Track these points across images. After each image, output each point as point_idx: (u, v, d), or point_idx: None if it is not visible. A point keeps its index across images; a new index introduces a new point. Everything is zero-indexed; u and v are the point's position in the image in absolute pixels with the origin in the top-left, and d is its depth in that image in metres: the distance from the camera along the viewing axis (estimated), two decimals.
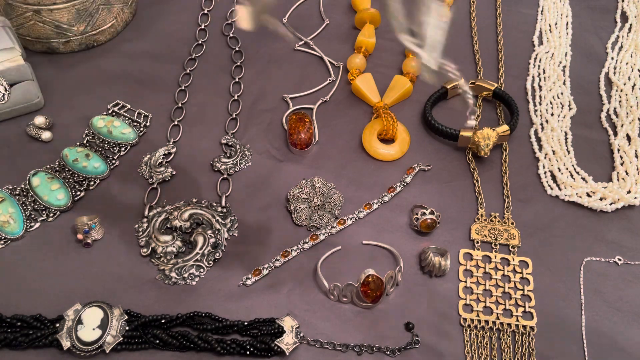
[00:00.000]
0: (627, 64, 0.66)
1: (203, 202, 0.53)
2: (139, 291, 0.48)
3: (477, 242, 0.52)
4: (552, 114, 0.61)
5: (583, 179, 0.56)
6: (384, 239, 0.51)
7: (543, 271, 0.50)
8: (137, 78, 0.62)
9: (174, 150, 0.57)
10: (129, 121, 0.58)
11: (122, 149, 0.57)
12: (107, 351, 0.44)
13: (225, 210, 0.53)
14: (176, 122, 0.59)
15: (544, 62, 0.65)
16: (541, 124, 0.60)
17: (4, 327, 0.45)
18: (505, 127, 0.57)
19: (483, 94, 0.61)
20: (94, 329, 0.44)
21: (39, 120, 0.57)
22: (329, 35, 0.66)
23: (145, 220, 0.52)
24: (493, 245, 0.52)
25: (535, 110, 0.62)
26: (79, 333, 0.44)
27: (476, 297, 0.49)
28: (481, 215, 0.54)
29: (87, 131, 0.58)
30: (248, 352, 0.45)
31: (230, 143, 0.58)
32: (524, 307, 0.48)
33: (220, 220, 0.52)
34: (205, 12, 0.67)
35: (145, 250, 0.50)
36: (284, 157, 0.57)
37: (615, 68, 0.66)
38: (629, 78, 0.65)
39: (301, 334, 0.46)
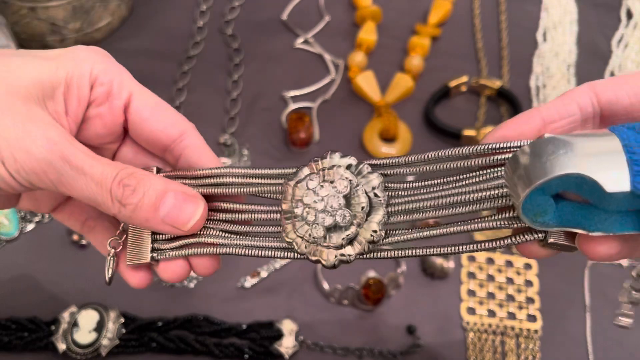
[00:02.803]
0: (632, 61, 0.66)
1: None
2: (136, 293, 0.47)
3: None
4: None
5: None
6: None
7: (547, 273, 0.50)
8: (133, 76, 0.61)
9: None
10: None
11: None
12: (104, 354, 0.44)
13: None
14: None
15: (548, 60, 0.64)
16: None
17: None
18: None
19: (487, 93, 0.60)
20: (89, 332, 0.44)
21: None
22: (329, 32, 0.65)
23: None
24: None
25: None
26: (75, 336, 0.44)
27: (479, 299, 0.48)
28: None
29: None
30: (247, 356, 0.44)
31: (228, 142, 0.57)
32: (528, 309, 0.48)
33: None
34: (204, 9, 0.66)
35: None
36: (283, 156, 0.56)
37: (620, 66, 0.65)
38: None
39: (301, 338, 0.45)
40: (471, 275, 0.49)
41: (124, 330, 0.44)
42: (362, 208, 0.25)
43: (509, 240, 0.24)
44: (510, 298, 0.48)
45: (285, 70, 0.62)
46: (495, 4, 0.69)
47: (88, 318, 0.44)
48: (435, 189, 0.25)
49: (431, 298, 0.48)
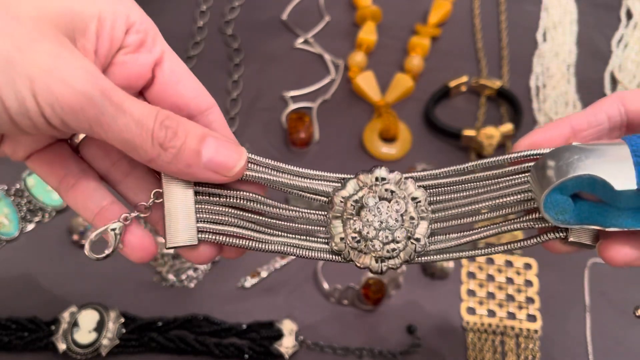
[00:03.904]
0: (632, 62, 0.65)
1: None
2: (136, 293, 0.47)
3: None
4: (556, 113, 0.60)
5: None
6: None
7: (547, 273, 0.50)
8: None
9: None
10: None
11: None
12: (104, 354, 0.44)
13: None
14: None
15: (548, 60, 0.64)
16: (545, 123, 0.60)
17: None
18: (509, 126, 0.56)
19: (486, 93, 0.60)
20: (90, 332, 0.44)
21: None
22: (329, 32, 0.65)
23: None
24: None
25: (540, 109, 0.61)
26: (75, 336, 0.44)
27: (479, 299, 0.48)
28: None
29: None
30: (247, 356, 0.44)
31: None
32: (528, 309, 0.48)
33: None
34: (204, 9, 0.66)
35: None
36: (283, 156, 0.56)
37: (620, 66, 0.65)
38: (634, 76, 0.64)
39: (301, 337, 0.45)
40: (471, 275, 0.50)
41: (124, 330, 0.44)
42: (412, 222, 0.27)
43: (535, 240, 0.27)
44: (510, 298, 0.48)
45: (285, 70, 0.62)
46: (495, 4, 0.69)
47: (88, 318, 0.44)
48: (470, 196, 0.28)
49: (431, 298, 0.48)
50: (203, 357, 0.44)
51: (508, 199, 0.27)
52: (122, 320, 0.45)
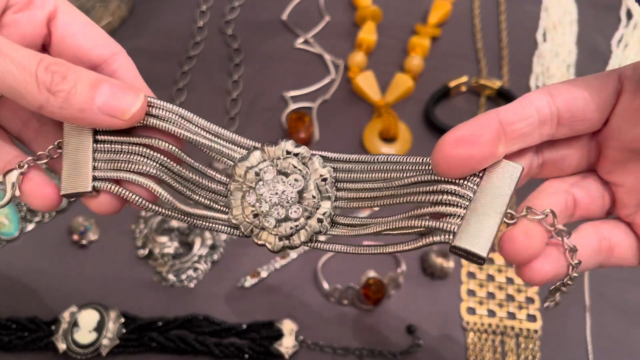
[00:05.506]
0: (632, 61, 0.66)
1: None
2: (136, 293, 0.47)
3: None
4: None
5: None
6: (386, 240, 0.51)
7: None
8: None
9: None
10: None
11: None
12: (104, 354, 0.44)
13: None
14: None
15: (548, 60, 0.64)
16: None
17: None
18: None
19: (486, 93, 0.60)
20: (90, 332, 0.44)
21: None
22: (329, 32, 0.65)
23: (142, 220, 0.51)
24: (497, 247, 0.51)
25: None
26: (75, 336, 0.44)
27: (479, 299, 0.48)
28: None
29: None
30: (247, 356, 0.44)
31: None
32: (528, 309, 0.48)
33: None
34: (204, 9, 0.66)
35: (142, 251, 0.49)
36: None
37: (620, 66, 0.65)
38: None
39: (301, 337, 0.45)
40: (471, 275, 0.50)
41: (124, 330, 0.44)
42: (313, 201, 0.26)
43: (421, 243, 0.25)
44: (510, 298, 0.48)
45: (285, 70, 0.62)
46: (495, 4, 0.69)
47: (88, 318, 0.44)
48: (377, 183, 0.26)
49: (431, 298, 0.48)
50: (203, 357, 0.44)
51: (413, 196, 0.25)
52: (122, 320, 0.45)
